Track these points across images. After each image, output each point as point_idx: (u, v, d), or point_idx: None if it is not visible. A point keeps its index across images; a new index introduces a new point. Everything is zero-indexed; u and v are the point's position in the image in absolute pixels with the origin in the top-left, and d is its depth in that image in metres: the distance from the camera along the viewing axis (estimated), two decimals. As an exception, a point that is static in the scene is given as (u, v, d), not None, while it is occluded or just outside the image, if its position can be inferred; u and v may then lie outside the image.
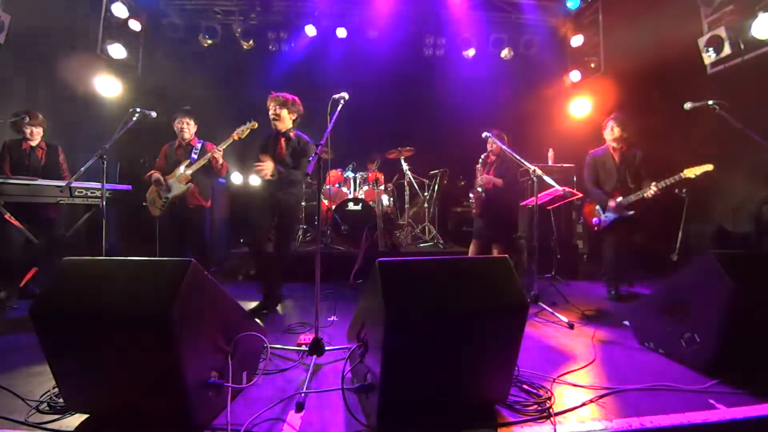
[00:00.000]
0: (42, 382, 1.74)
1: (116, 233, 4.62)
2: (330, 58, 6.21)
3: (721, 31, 3.95)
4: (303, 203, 5.17)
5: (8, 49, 3.75)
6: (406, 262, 1.48)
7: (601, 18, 5.51)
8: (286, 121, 3.05)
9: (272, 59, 6.12)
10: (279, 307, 3.26)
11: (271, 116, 3.03)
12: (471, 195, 3.92)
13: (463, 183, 6.05)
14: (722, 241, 4.19)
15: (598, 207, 3.66)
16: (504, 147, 3.53)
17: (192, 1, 5.70)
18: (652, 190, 3.27)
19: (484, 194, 3.72)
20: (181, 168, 3.34)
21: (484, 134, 3.72)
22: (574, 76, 6.08)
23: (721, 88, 4.12)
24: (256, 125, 3.38)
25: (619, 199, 3.50)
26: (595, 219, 3.64)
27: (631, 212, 3.46)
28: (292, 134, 3.13)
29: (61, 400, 1.51)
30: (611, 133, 3.62)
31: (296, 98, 3.11)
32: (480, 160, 3.88)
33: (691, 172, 3.12)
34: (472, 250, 3.98)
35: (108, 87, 4.88)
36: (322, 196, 4.15)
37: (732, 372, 1.82)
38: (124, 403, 1.44)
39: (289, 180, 3.06)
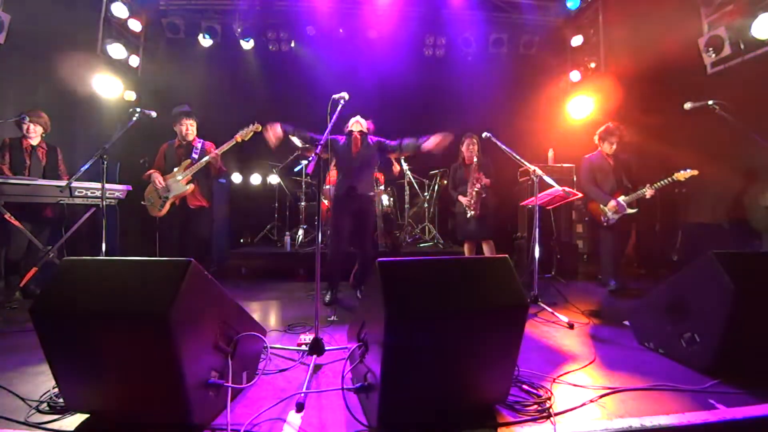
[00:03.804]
0: (42, 382, 1.74)
1: (116, 233, 4.62)
2: (330, 58, 6.21)
3: (721, 31, 3.95)
4: (302, 203, 5.19)
5: (8, 49, 3.75)
6: (406, 262, 1.48)
7: (601, 18, 5.51)
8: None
9: (272, 59, 6.13)
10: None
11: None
12: (466, 198, 3.85)
13: (445, 183, 6.05)
14: (722, 241, 4.20)
15: (603, 206, 3.71)
16: (503, 147, 3.54)
17: (192, 1, 5.70)
18: (649, 190, 3.51)
19: (484, 194, 3.78)
20: (181, 171, 3.34)
21: (484, 134, 3.75)
22: (574, 76, 6.09)
23: (721, 88, 4.12)
24: (260, 128, 3.39)
25: (621, 198, 3.63)
26: (603, 217, 3.73)
27: (634, 210, 3.60)
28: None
29: (61, 400, 1.51)
30: (609, 148, 3.80)
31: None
32: (462, 163, 3.94)
33: (681, 176, 3.44)
34: (467, 252, 4.04)
35: (108, 87, 4.88)
36: (322, 196, 4.15)
37: (732, 372, 1.81)
38: (124, 403, 1.44)
39: None
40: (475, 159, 3.88)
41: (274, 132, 2.97)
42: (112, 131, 2.80)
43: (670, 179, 3.45)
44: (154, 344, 1.29)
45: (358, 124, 3.30)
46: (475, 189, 3.82)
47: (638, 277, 4.40)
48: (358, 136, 3.28)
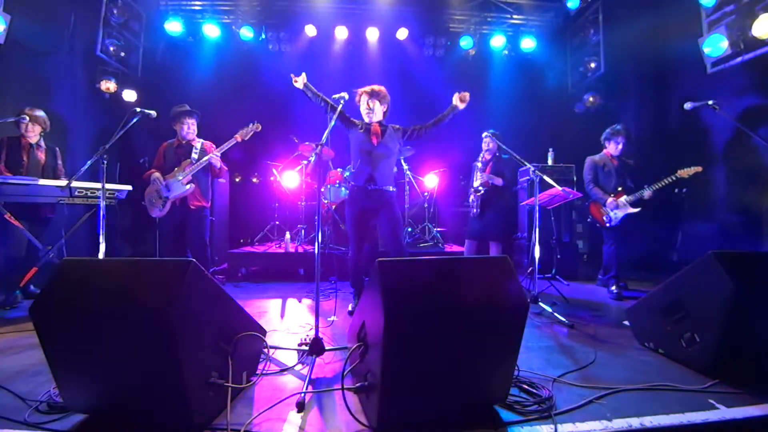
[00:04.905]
0: (42, 382, 1.74)
1: (116, 233, 4.62)
2: (330, 58, 6.21)
3: (721, 31, 3.95)
4: (302, 203, 5.18)
5: (8, 49, 3.75)
6: (405, 262, 1.48)
7: (601, 18, 5.51)
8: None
9: (272, 59, 6.13)
10: None
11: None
12: (471, 195, 3.90)
13: (463, 183, 6.07)
14: (722, 241, 4.20)
15: (603, 207, 3.73)
16: (503, 147, 3.56)
17: (192, 1, 5.70)
18: (647, 191, 3.51)
19: (483, 192, 3.75)
20: (181, 171, 3.34)
21: (484, 134, 3.78)
22: (575, 76, 6.07)
23: (721, 88, 4.12)
24: (260, 127, 3.39)
25: (623, 198, 3.62)
26: (605, 216, 3.72)
27: (637, 209, 3.59)
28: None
29: (61, 400, 1.51)
30: (615, 148, 3.79)
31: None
32: (479, 160, 3.92)
33: (684, 173, 3.42)
34: (468, 250, 4.00)
35: (108, 87, 4.88)
36: (322, 196, 4.15)
37: (732, 372, 1.82)
38: (124, 403, 1.44)
39: None
40: (485, 156, 3.87)
41: (302, 79, 2.88)
42: (112, 131, 2.80)
43: (673, 177, 3.44)
44: (153, 344, 1.29)
45: (372, 113, 2.92)
46: (473, 187, 3.82)
47: (638, 278, 4.40)
48: (378, 128, 2.94)
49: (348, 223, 2.99)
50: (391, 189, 2.95)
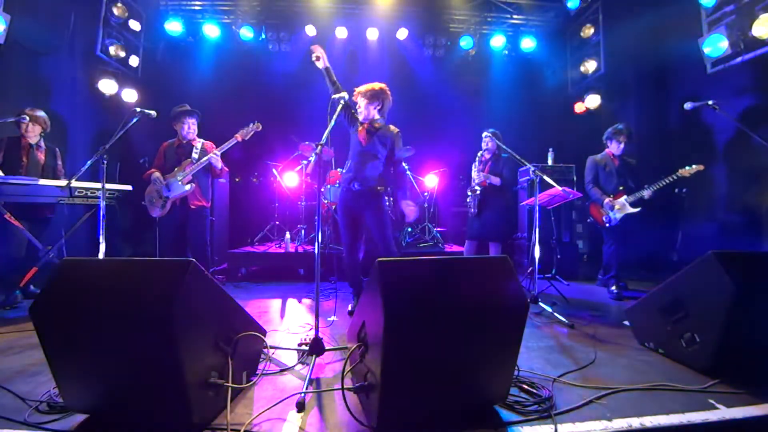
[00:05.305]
0: (42, 382, 1.74)
1: (116, 233, 4.62)
2: (330, 58, 6.19)
3: (721, 31, 3.95)
4: (302, 203, 5.17)
5: (8, 49, 3.75)
6: (405, 262, 1.48)
7: (601, 18, 5.51)
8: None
9: (272, 59, 6.13)
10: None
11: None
12: (468, 194, 3.91)
13: (463, 183, 6.08)
14: (722, 241, 4.20)
15: (603, 207, 3.74)
16: (503, 146, 3.56)
17: (192, 1, 5.70)
18: (646, 191, 3.51)
19: (479, 192, 3.75)
20: (182, 170, 3.34)
21: (484, 134, 3.79)
22: (574, 76, 6.09)
23: (721, 88, 4.13)
24: (260, 127, 3.40)
25: (624, 198, 3.62)
26: (605, 217, 3.72)
27: (637, 209, 3.59)
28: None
29: (61, 400, 1.51)
30: (617, 147, 3.79)
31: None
32: (476, 159, 3.93)
33: (686, 172, 3.42)
34: (467, 251, 4.00)
35: (107, 87, 4.88)
36: (322, 196, 4.15)
37: (732, 372, 1.81)
38: (124, 403, 1.44)
39: None
40: (484, 155, 3.88)
41: (323, 58, 2.92)
42: (112, 131, 2.80)
43: (674, 176, 3.44)
44: (153, 344, 1.29)
45: (362, 112, 2.87)
46: (470, 188, 3.84)
47: (638, 278, 4.40)
48: (367, 128, 2.87)
49: (339, 225, 2.99)
50: (378, 189, 2.87)
